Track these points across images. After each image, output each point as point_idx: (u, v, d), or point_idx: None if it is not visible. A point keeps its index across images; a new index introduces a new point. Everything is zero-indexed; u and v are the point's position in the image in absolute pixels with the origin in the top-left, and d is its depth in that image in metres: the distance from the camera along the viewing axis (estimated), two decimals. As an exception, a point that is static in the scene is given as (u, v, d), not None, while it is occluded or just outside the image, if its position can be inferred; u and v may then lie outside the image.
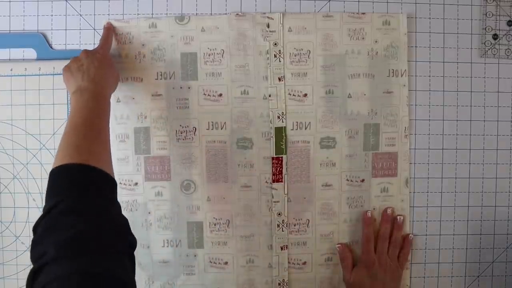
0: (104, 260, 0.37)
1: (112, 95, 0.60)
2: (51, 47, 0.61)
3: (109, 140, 0.49)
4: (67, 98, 0.61)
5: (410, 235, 0.61)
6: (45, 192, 0.42)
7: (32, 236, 0.39)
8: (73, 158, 0.43)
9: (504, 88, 0.62)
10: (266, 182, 0.61)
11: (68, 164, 0.42)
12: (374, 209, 0.61)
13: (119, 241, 0.40)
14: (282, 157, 0.60)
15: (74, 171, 0.42)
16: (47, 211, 0.39)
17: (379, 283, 0.58)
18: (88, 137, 0.46)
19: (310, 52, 0.60)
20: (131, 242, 0.42)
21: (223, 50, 0.60)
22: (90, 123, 0.47)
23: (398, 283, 0.59)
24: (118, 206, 0.45)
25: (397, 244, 0.60)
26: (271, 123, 0.60)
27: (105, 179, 0.44)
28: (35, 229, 0.39)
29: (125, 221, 0.43)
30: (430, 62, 0.62)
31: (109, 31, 0.59)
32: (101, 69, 0.52)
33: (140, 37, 0.60)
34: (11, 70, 0.61)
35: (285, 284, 0.61)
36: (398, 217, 0.61)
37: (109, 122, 0.51)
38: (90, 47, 0.61)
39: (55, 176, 0.42)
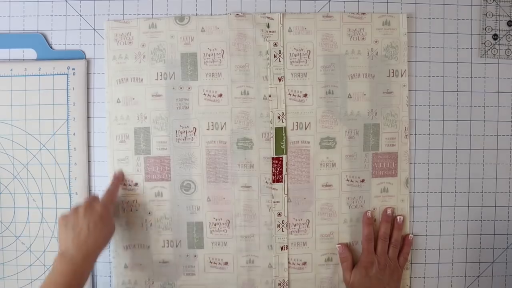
0: None
1: (112, 95, 0.60)
2: (51, 47, 0.61)
3: None
4: (67, 98, 0.61)
5: (410, 235, 0.61)
6: None
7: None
8: None
9: (504, 88, 0.62)
10: (266, 182, 0.61)
11: None
12: (374, 209, 0.61)
13: None
14: (282, 157, 0.60)
15: None
16: None
17: (379, 283, 0.58)
18: None
19: (310, 52, 0.60)
20: None
21: (223, 50, 0.60)
22: None
23: (398, 283, 0.59)
24: None
25: (397, 244, 0.60)
26: (271, 123, 0.60)
27: None
28: None
29: None
30: (430, 62, 0.62)
31: (117, 182, 0.60)
32: (95, 233, 0.53)
33: (140, 38, 0.60)
34: (11, 70, 0.60)
35: (285, 284, 0.61)
36: (398, 217, 0.61)
37: (84, 284, 0.52)
38: (90, 47, 0.61)
39: None
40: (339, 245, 0.61)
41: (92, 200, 0.55)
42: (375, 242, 0.60)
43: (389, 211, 0.60)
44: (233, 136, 0.61)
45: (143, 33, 0.60)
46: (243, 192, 0.61)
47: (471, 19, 0.62)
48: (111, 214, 0.56)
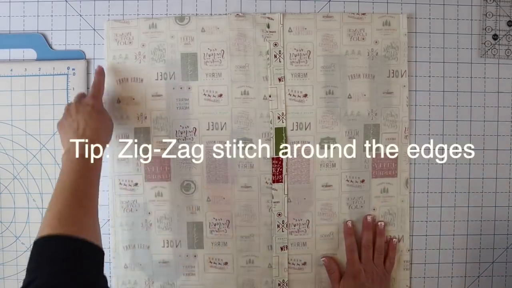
0: None
1: (112, 95, 0.60)
2: (51, 47, 0.61)
3: (97, 204, 0.49)
4: (67, 98, 0.61)
5: (394, 239, 0.61)
6: (27, 262, 0.41)
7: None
8: (54, 229, 0.42)
9: (504, 88, 0.62)
10: (266, 182, 0.61)
11: (48, 236, 0.42)
12: (374, 209, 0.61)
13: None
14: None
15: (53, 243, 0.42)
16: (25, 286, 0.39)
17: None
18: (71, 204, 0.45)
19: (310, 52, 0.60)
20: None
21: (223, 50, 0.60)
22: (74, 188, 0.46)
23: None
24: (99, 277, 0.43)
25: (381, 250, 0.59)
26: (271, 123, 0.60)
27: (88, 250, 0.43)
28: None
29: None
30: (430, 62, 0.62)
31: (100, 76, 0.57)
32: (92, 124, 0.52)
33: (140, 38, 0.60)
34: (11, 70, 0.60)
35: (285, 284, 0.61)
36: (379, 223, 0.60)
37: (98, 184, 0.50)
38: (90, 47, 0.61)
39: (35, 248, 0.42)
40: (324, 258, 0.61)
41: (80, 96, 0.56)
42: (360, 250, 0.59)
43: (369, 218, 0.60)
44: (233, 136, 0.61)
45: (143, 33, 0.60)
46: (243, 192, 0.61)
47: (471, 19, 0.62)
48: (102, 104, 0.56)
